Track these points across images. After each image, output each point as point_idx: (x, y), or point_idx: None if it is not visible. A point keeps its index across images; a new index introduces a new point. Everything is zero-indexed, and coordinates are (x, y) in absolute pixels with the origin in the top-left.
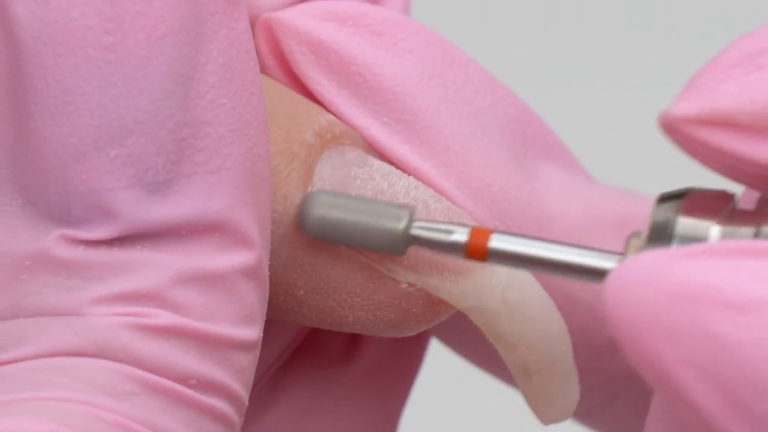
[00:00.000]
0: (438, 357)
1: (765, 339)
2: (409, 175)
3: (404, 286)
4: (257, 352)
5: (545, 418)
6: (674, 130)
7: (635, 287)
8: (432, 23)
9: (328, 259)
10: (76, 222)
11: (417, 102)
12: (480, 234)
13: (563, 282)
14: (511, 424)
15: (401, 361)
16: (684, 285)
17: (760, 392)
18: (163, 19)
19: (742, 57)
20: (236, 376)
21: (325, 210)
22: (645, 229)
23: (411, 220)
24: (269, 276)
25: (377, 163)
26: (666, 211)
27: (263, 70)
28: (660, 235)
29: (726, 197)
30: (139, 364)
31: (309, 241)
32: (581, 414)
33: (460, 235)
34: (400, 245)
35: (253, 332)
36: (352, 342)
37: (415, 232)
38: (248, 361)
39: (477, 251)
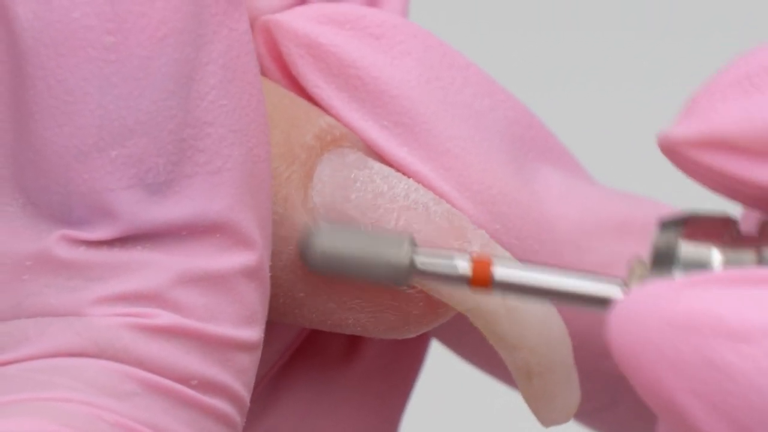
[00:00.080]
0: (438, 358)
1: None
2: (409, 177)
3: (405, 288)
4: (258, 353)
5: (546, 419)
6: (674, 152)
7: (639, 318)
8: (430, 26)
9: None
10: (77, 222)
11: (416, 105)
12: (482, 264)
13: None
14: (511, 426)
15: (402, 363)
16: (688, 315)
17: (766, 420)
18: (164, 20)
19: (739, 78)
20: (237, 377)
21: (327, 244)
22: (647, 255)
23: (414, 251)
24: (270, 278)
25: (377, 166)
26: (668, 236)
27: (262, 72)
28: (662, 260)
29: (728, 222)
30: (140, 364)
31: None
32: (582, 416)
33: (464, 268)
34: (403, 278)
35: (254, 333)
36: (353, 343)
37: (419, 266)
38: (249, 362)
39: (481, 281)
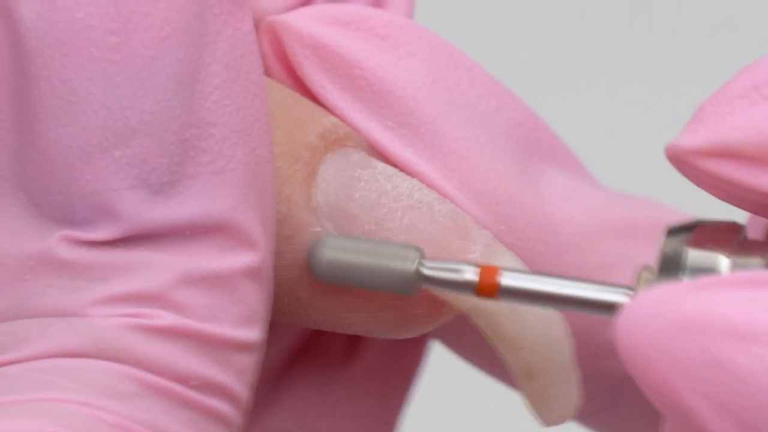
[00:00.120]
0: (438, 359)
1: None
2: (413, 178)
3: (411, 295)
4: (260, 353)
5: (546, 420)
6: (681, 161)
7: (647, 320)
8: (435, 26)
9: None
10: (79, 223)
11: (421, 105)
12: (489, 272)
13: None
14: (511, 426)
15: (402, 363)
16: (695, 317)
17: None
18: (168, 20)
19: (747, 88)
20: (238, 377)
21: (334, 254)
22: (655, 262)
23: (420, 261)
24: (273, 277)
25: (381, 165)
26: (675, 243)
27: (267, 72)
28: (670, 267)
29: (735, 228)
30: (140, 365)
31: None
32: (583, 416)
33: (470, 275)
34: (409, 287)
35: (255, 333)
36: (353, 344)
37: (425, 272)
38: (250, 363)
39: (487, 290)
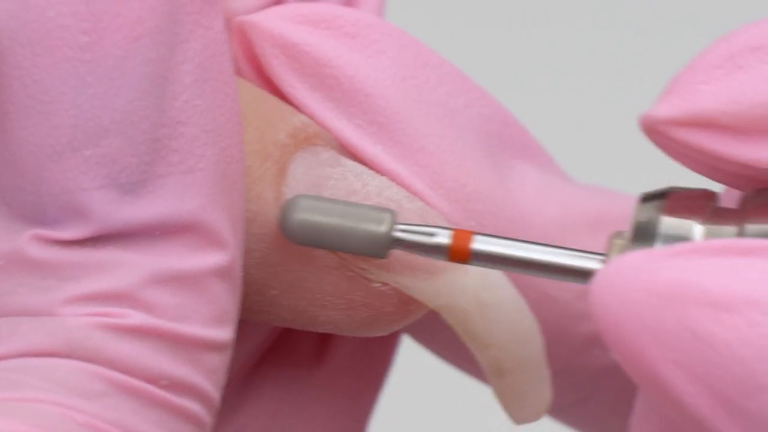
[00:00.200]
0: (409, 356)
1: (752, 337)
2: (383, 176)
3: (377, 285)
4: (229, 353)
5: (517, 417)
6: (655, 131)
7: (621, 288)
8: (406, 25)
9: (301, 259)
10: (50, 222)
11: (390, 103)
12: (462, 236)
13: (537, 281)
14: (482, 425)
15: (372, 361)
16: (670, 285)
17: (749, 390)
18: (139, 20)
19: (722, 58)
20: (208, 377)
21: (306, 214)
22: (628, 229)
23: (393, 223)
24: (242, 276)
25: (350, 164)
26: (649, 210)
27: (237, 72)
28: (644, 234)
29: (708, 196)
30: (110, 364)
31: (282, 240)
32: (556, 411)
33: (443, 238)
34: (381, 249)
35: (225, 333)
36: (323, 342)
37: (397, 235)
38: (220, 362)
39: (460, 253)
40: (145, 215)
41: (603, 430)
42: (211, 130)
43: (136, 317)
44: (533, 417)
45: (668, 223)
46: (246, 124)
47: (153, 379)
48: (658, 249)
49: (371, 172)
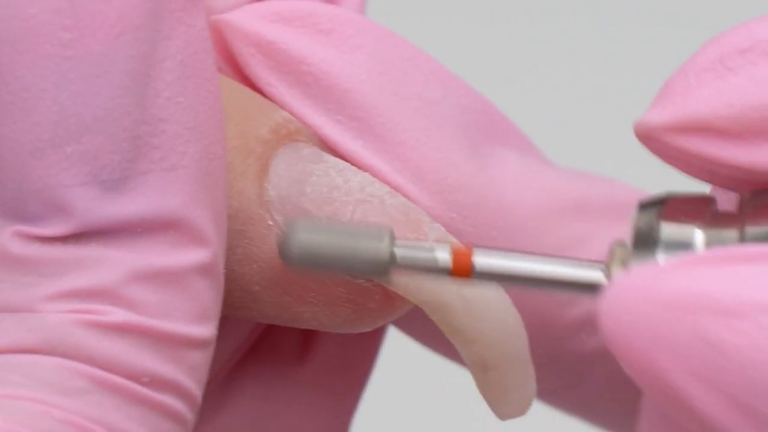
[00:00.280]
0: (392, 355)
1: (763, 341)
2: (365, 171)
3: (361, 281)
4: (211, 350)
5: (501, 413)
6: (650, 138)
7: (630, 302)
8: (393, 22)
9: None
10: (31, 218)
11: (368, 98)
12: (462, 255)
13: None
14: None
15: (356, 358)
16: (679, 296)
17: (764, 394)
18: (121, 17)
19: (713, 61)
20: (190, 374)
21: (306, 240)
22: (629, 238)
23: (393, 246)
24: (225, 272)
25: (332, 160)
26: (648, 217)
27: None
28: (644, 242)
29: (706, 200)
30: (91, 361)
31: (265, 235)
32: (547, 395)
33: (444, 258)
34: (384, 272)
35: (207, 330)
36: (307, 339)
37: (399, 258)
38: (202, 359)
39: (461, 271)
40: (126, 212)
41: (593, 414)
42: (194, 127)
43: (117, 314)
44: (518, 413)
45: (669, 229)
46: (228, 120)
47: (135, 376)
48: (665, 261)
49: (353, 168)
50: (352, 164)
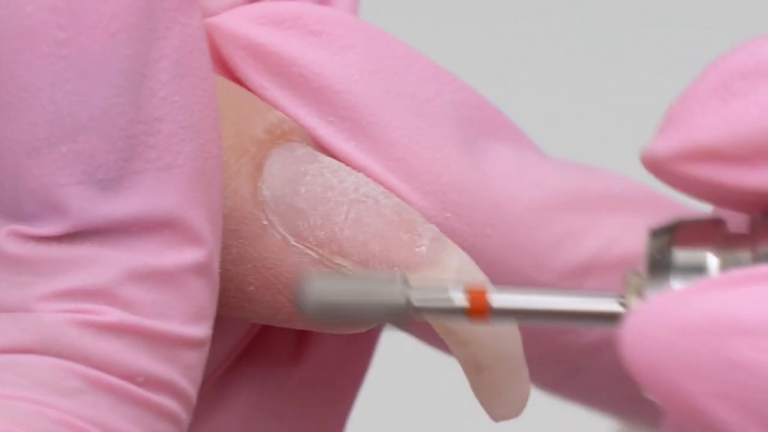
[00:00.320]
0: (387, 355)
1: None
2: (359, 172)
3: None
4: (206, 350)
5: (495, 414)
6: (658, 168)
7: (651, 329)
8: (383, 21)
9: (278, 255)
10: (26, 218)
11: (360, 99)
12: (477, 297)
13: (517, 266)
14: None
15: (350, 359)
16: (701, 320)
17: None
18: (117, 16)
19: (715, 86)
20: (185, 374)
21: (320, 294)
22: (642, 266)
23: (408, 293)
24: (219, 272)
25: (327, 160)
26: (660, 244)
27: None
28: (658, 269)
29: (717, 223)
30: (86, 361)
31: (260, 235)
32: (548, 385)
33: (460, 300)
34: (401, 318)
35: (202, 330)
36: (301, 340)
37: (416, 304)
38: (197, 359)
39: (479, 311)
40: (122, 212)
41: (594, 401)
42: (189, 127)
43: (112, 314)
44: (512, 414)
45: (682, 254)
46: (222, 118)
47: (130, 376)
48: (682, 287)
49: (348, 168)
50: (346, 165)
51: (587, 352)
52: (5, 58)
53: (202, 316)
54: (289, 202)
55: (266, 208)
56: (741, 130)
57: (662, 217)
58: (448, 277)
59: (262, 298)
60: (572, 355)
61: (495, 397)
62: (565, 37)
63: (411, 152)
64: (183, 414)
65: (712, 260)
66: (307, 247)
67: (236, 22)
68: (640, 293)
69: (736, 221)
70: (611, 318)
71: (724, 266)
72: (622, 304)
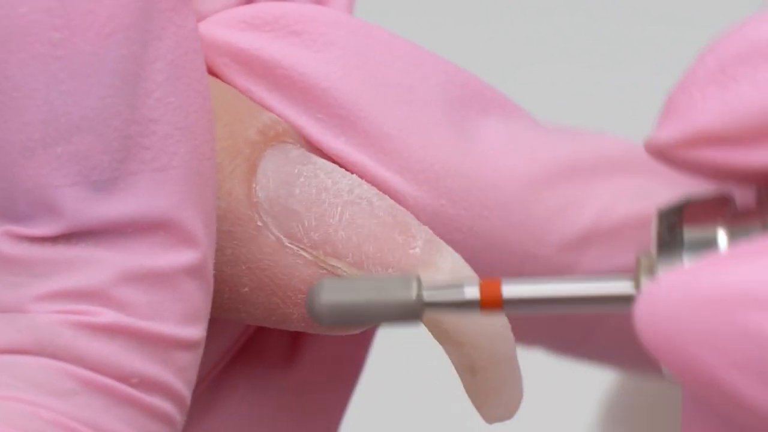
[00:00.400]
0: (382, 356)
1: None
2: (350, 169)
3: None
4: (200, 351)
5: (489, 416)
6: (663, 155)
7: (666, 305)
8: (382, 21)
9: (272, 256)
10: (21, 218)
11: (346, 95)
12: (490, 287)
13: (516, 243)
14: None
15: (344, 361)
16: (713, 292)
17: None
18: (112, 16)
19: (714, 71)
20: (179, 375)
21: (333, 298)
22: (652, 246)
23: (420, 288)
24: (214, 273)
25: (321, 161)
26: (669, 223)
27: None
28: (669, 247)
29: (724, 199)
30: (80, 362)
31: (254, 236)
32: (559, 349)
33: (472, 292)
34: (415, 315)
35: (197, 331)
36: (295, 342)
37: (428, 299)
38: (191, 360)
39: (491, 302)
40: (116, 213)
41: (605, 362)
42: (184, 128)
43: (107, 315)
44: (506, 415)
45: (691, 232)
46: (216, 120)
47: (124, 378)
48: (695, 262)
49: (342, 170)
50: (338, 162)
51: (595, 316)
52: (0, 59)
53: (197, 318)
54: (284, 204)
55: (260, 209)
56: (741, 112)
57: (656, 177)
58: (442, 278)
59: (256, 299)
60: (581, 321)
61: (489, 398)
62: (565, 37)
63: (402, 143)
64: (177, 415)
65: (722, 235)
66: (302, 249)
67: (217, 30)
68: (651, 273)
69: (744, 193)
70: (625, 300)
71: (735, 239)
72: (635, 286)
